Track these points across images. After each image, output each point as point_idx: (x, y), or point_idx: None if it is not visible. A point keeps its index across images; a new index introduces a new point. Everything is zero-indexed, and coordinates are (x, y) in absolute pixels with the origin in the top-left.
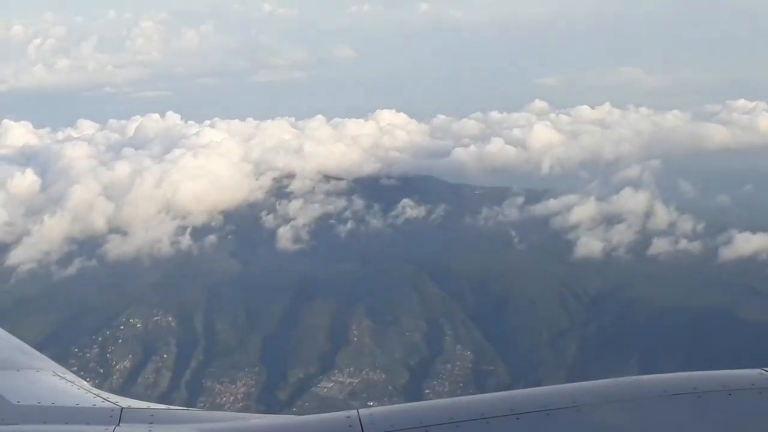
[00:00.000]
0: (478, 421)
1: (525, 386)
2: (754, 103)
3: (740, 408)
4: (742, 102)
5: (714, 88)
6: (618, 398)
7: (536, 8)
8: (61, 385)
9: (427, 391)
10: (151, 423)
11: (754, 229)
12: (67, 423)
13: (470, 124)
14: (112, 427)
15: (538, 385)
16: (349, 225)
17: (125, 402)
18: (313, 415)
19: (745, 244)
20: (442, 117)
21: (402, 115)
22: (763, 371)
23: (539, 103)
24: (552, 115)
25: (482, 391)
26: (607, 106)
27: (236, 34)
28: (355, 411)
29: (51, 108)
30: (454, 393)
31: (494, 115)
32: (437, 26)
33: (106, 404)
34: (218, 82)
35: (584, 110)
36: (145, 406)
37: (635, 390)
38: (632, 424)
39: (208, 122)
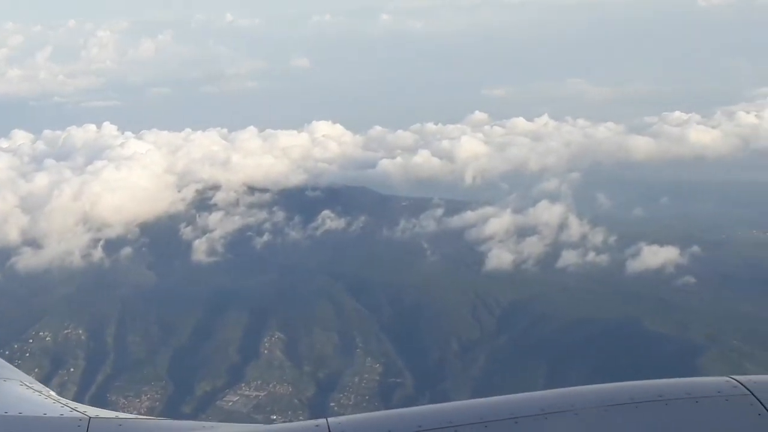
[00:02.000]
0: (447, 429)
1: (431, 399)
2: (688, 115)
3: (707, 415)
4: (677, 114)
5: (660, 100)
6: (585, 406)
7: (499, 20)
8: (29, 395)
9: (332, 404)
10: None
11: (663, 242)
12: None
13: (405, 136)
14: None
15: (445, 398)
16: (266, 237)
17: (93, 411)
18: (282, 424)
19: (653, 256)
20: (378, 128)
21: (338, 126)
22: (729, 379)
23: (479, 115)
24: (486, 127)
25: (387, 404)
26: (544, 118)
27: (196, 44)
28: (324, 420)
29: None
30: (359, 406)
31: (430, 126)
32: (396, 37)
33: (74, 414)
34: (170, 92)
35: (519, 122)
36: (113, 416)
37: (603, 397)
38: None
39: (143, 132)
